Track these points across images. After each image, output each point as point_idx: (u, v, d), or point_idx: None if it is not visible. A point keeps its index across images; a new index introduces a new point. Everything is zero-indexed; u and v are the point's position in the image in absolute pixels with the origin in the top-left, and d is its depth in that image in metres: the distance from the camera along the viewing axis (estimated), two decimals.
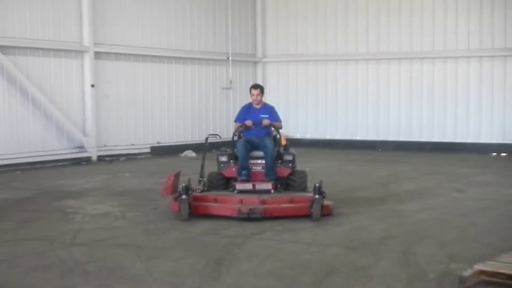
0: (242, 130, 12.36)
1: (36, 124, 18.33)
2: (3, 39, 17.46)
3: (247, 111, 12.50)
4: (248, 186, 11.62)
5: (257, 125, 12.25)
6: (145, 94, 21.46)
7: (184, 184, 10.64)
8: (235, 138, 12.40)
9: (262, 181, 11.74)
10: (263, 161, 11.88)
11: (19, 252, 8.76)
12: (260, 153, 11.93)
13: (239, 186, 11.63)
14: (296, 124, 24.58)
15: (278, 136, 12.42)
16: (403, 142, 23.36)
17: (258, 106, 12.45)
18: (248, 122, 12.28)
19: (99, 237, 9.65)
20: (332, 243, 9.25)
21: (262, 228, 10.10)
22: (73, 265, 8.09)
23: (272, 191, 11.55)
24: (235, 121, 12.71)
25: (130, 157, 20.59)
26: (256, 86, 12.59)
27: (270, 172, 11.80)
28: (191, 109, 22.96)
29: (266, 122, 12.29)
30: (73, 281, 7.39)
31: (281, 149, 12.21)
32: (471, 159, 20.18)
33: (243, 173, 11.77)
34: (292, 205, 10.98)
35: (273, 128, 12.43)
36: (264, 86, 13.47)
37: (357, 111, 24.27)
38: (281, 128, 12.56)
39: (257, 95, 12.39)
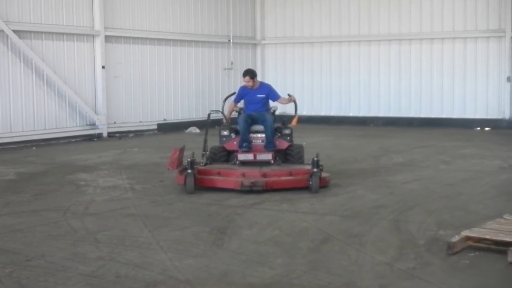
0: (225, 122, 12.31)
1: (50, 103, 18.24)
2: (20, 24, 17.33)
3: (244, 92, 12.36)
4: (250, 156, 11.54)
5: (256, 102, 12.15)
6: (152, 74, 21.36)
7: (189, 159, 10.54)
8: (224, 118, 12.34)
9: (263, 152, 11.64)
10: (263, 135, 11.78)
11: (34, 222, 8.69)
12: (260, 127, 11.83)
13: (241, 156, 11.55)
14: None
15: (294, 114, 12.43)
16: (392, 118, 23.32)
17: (254, 87, 12.29)
18: (225, 121, 12.30)
19: (110, 207, 9.58)
20: (327, 212, 9.19)
21: (262, 198, 10.04)
22: (85, 234, 8.02)
23: (272, 162, 11.47)
24: (234, 100, 12.60)
25: (138, 134, 20.53)
26: (245, 74, 12.28)
27: (270, 144, 11.69)
28: (195, 89, 22.88)
29: (293, 98, 12.28)
30: (85, 248, 7.32)
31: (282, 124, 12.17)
32: (457, 133, 20.12)
33: (244, 145, 11.67)
34: (292, 177, 10.89)
35: (271, 105, 12.38)
36: (258, 69, 13.37)
37: (350, 89, 24.19)
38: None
39: (248, 81, 12.19)
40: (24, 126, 17.54)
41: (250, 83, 12.15)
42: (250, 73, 12.27)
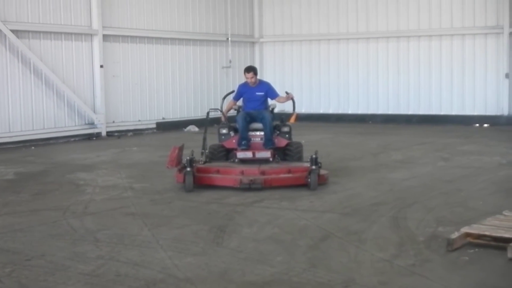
0: (223, 120, 12.35)
1: (49, 103, 18.23)
2: (17, 24, 17.32)
3: (244, 89, 12.40)
4: (249, 154, 11.55)
5: (255, 100, 12.17)
6: (150, 73, 21.36)
7: (188, 157, 10.57)
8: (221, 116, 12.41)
9: (262, 149, 11.65)
10: (262, 133, 11.81)
11: (34, 221, 8.69)
12: (259, 125, 11.86)
13: (240, 154, 11.56)
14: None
15: (292, 112, 12.56)
16: (391, 115, 23.32)
17: (254, 85, 12.31)
18: (223, 118, 12.40)
19: (109, 207, 9.58)
20: (327, 210, 9.20)
21: (261, 196, 10.04)
22: (85, 233, 8.02)
23: (271, 159, 11.49)
24: (233, 98, 12.64)
25: (137, 132, 20.52)
26: (249, 70, 12.37)
27: (268, 142, 11.71)
28: (193, 87, 22.87)
29: (291, 95, 12.36)
30: (84, 248, 7.32)
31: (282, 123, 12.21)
32: (455, 130, 20.12)
33: (243, 143, 11.69)
34: (290, 175, 10.91)
35: (270, 102, 12.42)
36: (256, 67, 13.43)
37: (348, 87, 24.18)
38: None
39: (251, 77, 12.23)
40: (22, 126, 17.53)
41: (254, 79, 12.18)
42: (253, 70, 12.34)
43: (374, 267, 6.55)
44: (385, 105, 23.61)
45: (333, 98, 24.46)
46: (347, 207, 9.37)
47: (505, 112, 21.66)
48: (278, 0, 25.23)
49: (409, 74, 23.14)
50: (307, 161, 11.01)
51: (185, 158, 10.62)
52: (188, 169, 10.47)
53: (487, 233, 7.13)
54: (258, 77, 12.55)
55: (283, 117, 12.42)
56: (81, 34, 19.08)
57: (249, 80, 12.24)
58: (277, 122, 12.11)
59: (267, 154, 11.57)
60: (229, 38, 23.99)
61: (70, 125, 18.82)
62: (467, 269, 6.46)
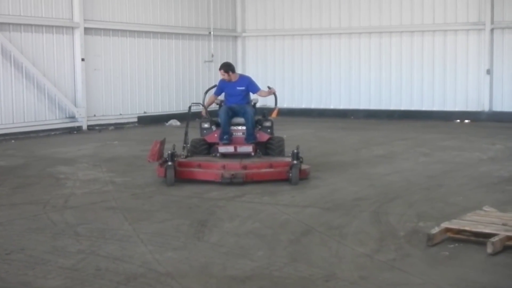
0: (204, 114, 12.32)
1: (29, 96, 18.11)
2: None
3: (224, 84, 12.37)
4: (230, 148, 11.56)
5: (236, 95, 12.16)
6: (132, 67, 21.25)
7: (170, 151, 10.56)
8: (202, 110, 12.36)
9: (243, 144, 11.66)
10: (244, 127, 11.80)
11: (13, 215, 8.65)
12: (241, 120, 11.85)
13: (222, 148, 11.56)
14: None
15: (274, 107, 12.53)
16: (373, 111, 23.37)
17: (234, 80, 12.29)
18: (203, 112, 12.34)
19: (90, 201, 9.55)
20: (308, 205, 9.22)
21: (243, 191, 10.05)
22: (65, 227, 8.00)
23: (253, 154, 11.51)
24: (214, 93, 12.61)
25: (118, 126, 20.42)
26: (220, 67, 12.39)
27: (250, 137, 11.71)
28: (175, 81, 22.79)
29: (273, 90, 12.34)
30: (64, 242, 7.30)
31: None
32: (437, 125, 20.23)
33: (224, 137, 11.67)
34: (272, 169, 10.95)
35: (252, 97, 12.42)
36: (239, 61, 13.39)
37: (331, 82, 24.19)
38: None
39: (223, 75, 12.23)
40: (2, 119, 17.40)
41: (225, 77, 12.16)
42: (224, 67, 12.30)
43: (355, 261, 6.58)
44: (367, 101, 23.65)
45: (315, 93, 24.47)
46: (328, 202, 9.40)
47: (486, 108, 21.78)
48: None
49: (391, 69, 23.19)
50: (288, 156, 11.04)
51: (167, 152, 10.61)
52: (170, 163, 10.47)
53: (467, 228, 7.19)
54: (240, 71, 12.53)
55: (265, 112, 12.43)
56: (62, 27, 18.95)
57: (222, 77, 12.25)
58: (259, 117, 12.11)
59: (248, 148, 11.59)
60: (212, 32, 23.90)
61: (50, 119, 18.70)
62: (447, 264, 6.51)
